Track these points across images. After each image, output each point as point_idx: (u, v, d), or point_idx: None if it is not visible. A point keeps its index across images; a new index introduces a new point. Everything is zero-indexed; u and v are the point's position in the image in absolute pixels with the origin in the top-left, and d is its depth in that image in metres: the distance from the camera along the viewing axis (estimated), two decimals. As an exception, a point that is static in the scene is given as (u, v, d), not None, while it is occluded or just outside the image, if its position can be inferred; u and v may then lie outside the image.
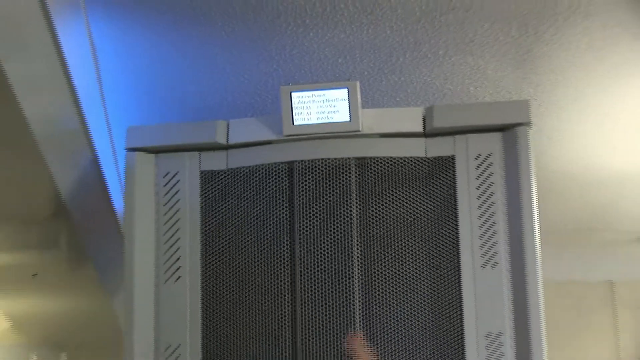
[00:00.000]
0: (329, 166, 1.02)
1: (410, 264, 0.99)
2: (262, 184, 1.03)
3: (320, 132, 1.02)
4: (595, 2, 1.11)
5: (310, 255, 1.00)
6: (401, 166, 1.02)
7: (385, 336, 0.98)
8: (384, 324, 0.98)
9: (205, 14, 1.13)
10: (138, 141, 1.07)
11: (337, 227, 1.01)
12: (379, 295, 0.99)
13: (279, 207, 1.02)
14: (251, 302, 1.01)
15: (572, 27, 1.18)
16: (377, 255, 1.00)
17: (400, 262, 0.99)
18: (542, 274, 0.96)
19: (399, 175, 1.02)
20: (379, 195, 1.01)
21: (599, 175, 1.93)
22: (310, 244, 1.00)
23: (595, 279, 2.86)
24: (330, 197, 1.01)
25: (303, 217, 1.01)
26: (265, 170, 1.03)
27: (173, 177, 1.06)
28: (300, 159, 1.02)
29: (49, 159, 1.13)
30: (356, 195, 1.01)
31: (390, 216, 1.00)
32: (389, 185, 1.01)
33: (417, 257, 0.99)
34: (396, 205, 1.01)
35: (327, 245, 1.00)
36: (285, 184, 1.02)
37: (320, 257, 1.00)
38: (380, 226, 1.00)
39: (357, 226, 1.00)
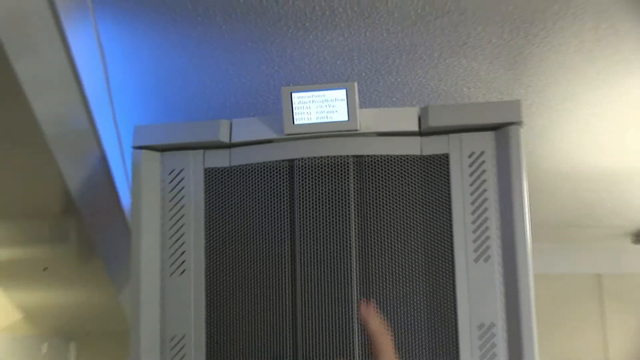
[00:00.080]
0: (328, 164, 1.03)
1: (406, 258, 1.00)
2: (264, 180, 1.04)
3: (319, 131, 1.02)
4: (583, 6, 1.12)
5: (310, 249, 1.01)
6: (397, 164, 1.03)
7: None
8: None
9: (209, 19, 1.13)
10: (145, 140, 1.08)
11: (336, 222, 1.01)
12: (376, 286, 1.00)
13: (280, 203, 1.03)
14: (252, 294, 1.02)
15: (562, 30, 1.19)
16: (374, 249, 1.01)
17: (396, 256, 1.00)
18: (532, 268, 0.97)
19: (395, 173, 1.02)
20: (376, 192, 1.02)
21: (587, 173, 1.92)
22: (309, 238, 1.01)
23: (583, 272, 2.90)
24: (329, 193, 1.02)
25: (303, 213, 1.02)
26: (267, 167, 1.04)
27: (178, 174, 1.07)
28: (301, 157, 1.03)
29: (59, 157, 1.13)
30: (354, 192, 1.02)
31: (386, 211, 1.01)
32: (385, 182, 1.02)
33: (413, 251, 1.00)
34: (393, 201, 1.01)
35: (326, 240, 1.01)
36: (286, 181, 1.03)
37: (320, 250, 1.01)
38: (377, 221, 1.01)
39: (355, 221, 1.01)
